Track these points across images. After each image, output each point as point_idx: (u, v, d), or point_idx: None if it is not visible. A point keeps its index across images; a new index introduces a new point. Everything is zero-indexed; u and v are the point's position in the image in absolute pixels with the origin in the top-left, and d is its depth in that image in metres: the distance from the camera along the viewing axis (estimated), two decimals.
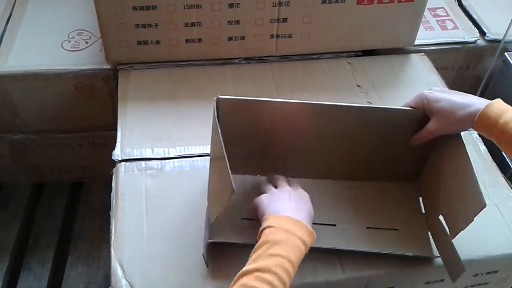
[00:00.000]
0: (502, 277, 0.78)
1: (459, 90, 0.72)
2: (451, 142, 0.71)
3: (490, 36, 1.14)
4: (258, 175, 0.77)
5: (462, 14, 1.21)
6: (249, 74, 1.00)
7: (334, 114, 0.72)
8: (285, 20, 0.96)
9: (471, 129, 0.67)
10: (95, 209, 1.22)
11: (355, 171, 0.78)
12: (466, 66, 1.18)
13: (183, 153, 0.83)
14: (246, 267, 0.55)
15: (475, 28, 1.16)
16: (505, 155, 1.02)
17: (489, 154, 0.86)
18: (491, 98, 0.66)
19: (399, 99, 0.75)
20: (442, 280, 0.75)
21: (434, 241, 0.72)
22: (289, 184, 0.71)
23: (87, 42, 1.08)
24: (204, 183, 0.75)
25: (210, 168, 0.73)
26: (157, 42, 0.96)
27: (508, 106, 0.64)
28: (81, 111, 1.08)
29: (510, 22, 1.05)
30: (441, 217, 0.70)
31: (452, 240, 0.67)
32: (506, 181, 0.83)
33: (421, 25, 1.04)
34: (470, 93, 0.69)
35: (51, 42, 1.07)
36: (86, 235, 1.18)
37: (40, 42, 1.07)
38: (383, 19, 1.00)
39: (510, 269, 0.77)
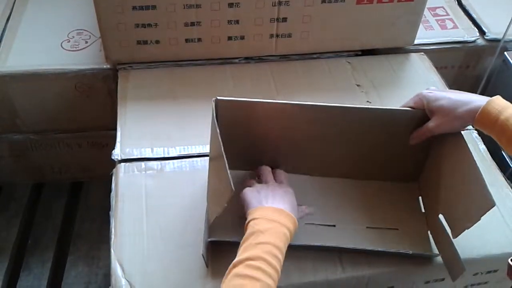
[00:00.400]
0: (501, 276, 0.78)
1: (459, 90, 0.72)
2: (451, 141, 0.71)
3: (489, 35, 1.14)
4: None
5: (462, 13, 1.21)
6: (248, 73, 1.00)
7: (331, 115, 0.72)
8: (284, 19, 0.96)
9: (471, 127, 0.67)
10: (95, 209, 1.23)
11: (354, 171, 0.78)
12: (465, 65, 1.18)
13: (182, 152, 0.83)
14: (236, 259, 0.58)
15: (475, 28, 1.16)
16: (504, 154, 1.03)
17: (488, 153, 0.86)
18: (491, 97, 0.66)
19: (399, 98, 0.75)
20: (442, 279, 0.75)
21: (434, 240, 0.72)
22: (275, 177, 0.73)
23: (86, 42, 1.08)
24: (204, 183, 0.75)
25: (209, 168, 0.73)
26: (157, 42, 0.96)
27: (508, 102, 0.64)
28: (81, 111, 1.08)
29: (510, 22, 1.05)
30: (441, 216, 0.70)
31: (452, 239, 0.67)
32: (506, 180, 0.83)
33: (420, 24, 1.04)
34: (470, 93, 0.69)
35: (50, 42, 1.07)
36: (86, 235, 1.18)
37: (40, 42, 1.07)
38: (383, 19, 1.00)
39: None
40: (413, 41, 1.06)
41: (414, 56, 1.07)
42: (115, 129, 0.87)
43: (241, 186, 0.69)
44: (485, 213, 0.62)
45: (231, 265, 0.57)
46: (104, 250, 1.13)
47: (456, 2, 1.25)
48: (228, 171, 0.58)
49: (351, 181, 0.79)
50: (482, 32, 1.15)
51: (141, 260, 0.69)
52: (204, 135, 0.72)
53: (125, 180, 0.79)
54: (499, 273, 0.77)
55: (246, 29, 0.96)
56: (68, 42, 1.08)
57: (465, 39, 1.13)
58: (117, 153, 0.83)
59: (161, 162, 0.82)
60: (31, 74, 1.01)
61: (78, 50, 1.06)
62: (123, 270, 0.68)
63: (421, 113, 0.71)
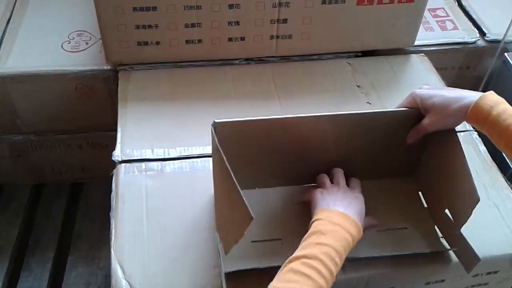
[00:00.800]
0: (502, 277, 0.78)
1: None
2: (445, 137, 0.71)
3: (490, 36, 1.14)
4: (257, 188, 0.77)
5: (462, 14, 1.21)
6: (249, 74, 1.00)
7: (328, 123, 0.72)
8: (285, 20, 0.96)
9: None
10: (95, 209, 1.23)
11: (352, 172, 0.78)
12: (466, 66, 1.18)
13: (183, 153, 0.84)
14: (294, 254, 0.57)
15: (475, 29, 1.16)
16: (505, 155, 1.03)
17: (489, 155, 0.86)
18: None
19: (399, 99, 0.75)
20: (442, 281, 0.75)
21: (443, 235, 0.72)
22: (348, 182, 0.73)
23: (87, 43, 1.08)
24: (204, 184, 0.75)
25: (215, 195, 0.72)
26: (157, 43, 0.96)
27: (501, 98, 0.64)
28: (81, 112, 1.08)
29: (510, 23, 1.05)
30: (447, 211, 0.71)
31: (461, 232, 0.67)
32: (506, 182, 0.83)
33: (421, 25, 1.04)
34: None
35: (51, 43, 1.07)
36: (86, 235, 1.18)
37: (40, 43, 1.07)
38: (383, 20, 1.00)
39: (510, 269, 0.77)
40: (414, 42, 1.06)
41: (414, 57, 1.07)
42: (116, 130, 0.87)
43: (254, 204, 0.68)
44: (473, 208, 0.62)
45: (287, 260, 0.57)
46: (104, 250, 1.13)
47: (456, 3, 1.25)
48: (244, 199, 0.56)
49: None
50: (482, 33, 1.15)
51: (141, 261, 0.69)
52: (204, 136, 0.72)
53: (125, 181, 0.79)
54: (500, 274, 0.77)
55: (246, 30, 0.97)
56: (68, 43, 1.08)
57: (465, 40, 1.13)
58: (117, 154, 0.83)
59: (161, 162, 0.82)
60: (31, 75, 1.01)
61: (78, 51, 1.06)
62: (123, 271, 0.68)
63: (416, 112, 0.72)
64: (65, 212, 1.23)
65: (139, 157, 0.82)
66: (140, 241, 0.71)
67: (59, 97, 1.06)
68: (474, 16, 1.19)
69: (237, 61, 1.02)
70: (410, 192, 0.78)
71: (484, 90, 1.17)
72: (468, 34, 1.14)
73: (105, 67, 1.02)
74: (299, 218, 0.74)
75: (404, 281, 0.74)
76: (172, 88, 0.96)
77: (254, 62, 1.03)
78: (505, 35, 1.09)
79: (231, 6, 0.92)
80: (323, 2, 0.94)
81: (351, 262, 0.68)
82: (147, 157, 0.83)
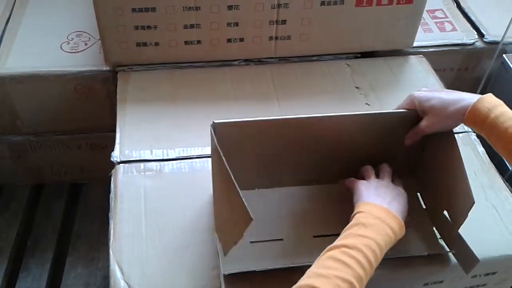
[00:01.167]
0: (500, 278, 0.78)
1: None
2: (443, 139, 0.71)
3: (488, 38, 1.14)
4: (256, 188, 0.77)
5: (461, 16, 1.21)
6: (248, 76, 1.00)
7: (326, 124, 0.72)
8: (284, 22, 0.96)
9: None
10: (94, 210, 1.23)
11: (352, 174, 0.78)
12: (464, 68, 1.18)
13: (182, 154, 0.84)
14: (333, 244, 0.57)
15: (474, 30, 1.16)
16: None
17: (487, 156, 0.87)
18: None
19: (397, 100, 0.75)
20: (441, 282, 0.75)
21: (442, 237, 0.72)
22: (392, 179, 0.72)
23: (86, 44, 1.08)
24: (203, 185, 0.75)
25: (214, 196, 0.72)
26: (156, 44, 0.96)
27: (500, 100, 0.64)
28: (80, 112, 1.08)
29: (508, 24, 1.05)
30: (445, 212, 0.71)
31: (460, 233, 0.67)
32: (504, 183, 0.83)
33: (419, 27, 1.04)
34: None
35: (50, 44, 1.07)
36: (85, 236, 1.18)
37: (40, 43, 1.07)
38: (382, 21, 1.00)
39: (508, 270, 0.77)
40: (412, 43, 1.06)
41: (413, 58, 1.07)
42: (115, 131, 0.87)
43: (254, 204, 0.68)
44: (469, 210, 0.63)
45: (327, 248, 0.57)
46: (103, 251, 1.13)
47: (455, 4, 1.25)
48: (243, 199, 0.56)
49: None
50: (481, 35, 1.15)
51: (140, 262, 0.69)
52: (203, 137, 0.72)
53: (124, 181, 0.79)
54: (498, 275, 0.77)
55: (245, 31, 0.97)
56: (67, 44, 1.08)
57: (464, 41, 1.13)
58: (116, 155, 0.83)
59: (160, 163, 0.82)
60: (30, 76, 1.01)
61: (77, 52, 1.06)
62: (122, 272, 0.68)
63: (414, 114, 0.72)
64: (64, 213, 1.23)
65: (137, 158, 0.82)
66: (139, 242, 0.72)
67: (58, 98, 1.06)
68: (472, 18, 1.20)
69: (236, 62, 1.02)
70: (409, 193, 0.78)
71: (482, 92, 1.17)
72: (467, 36, 1.15)
73: (104, 68, 1.02)
74: (298, 219, 0.74)
75: (402, 282, 0.74)
76: (171, 89, 0.96)
77: (253, 63, 1.03)
78: (503, 36, 1.09)
79: (230, 7, 0.92)
80: (322, 3, 0.95)
81: None
82: (146, 157, 0.83)
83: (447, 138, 0.71)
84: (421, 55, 1.08)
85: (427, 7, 1.01)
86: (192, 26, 0.94)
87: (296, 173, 0.77)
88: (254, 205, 0.56)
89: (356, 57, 1.07)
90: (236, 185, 0.57)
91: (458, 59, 1.16)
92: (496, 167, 0.86)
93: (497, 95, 0.65)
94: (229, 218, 0.63)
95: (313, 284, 0.52)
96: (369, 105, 0.95)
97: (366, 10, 0.97)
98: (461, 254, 0.69)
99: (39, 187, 1.27)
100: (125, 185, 0.78)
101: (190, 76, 0.99)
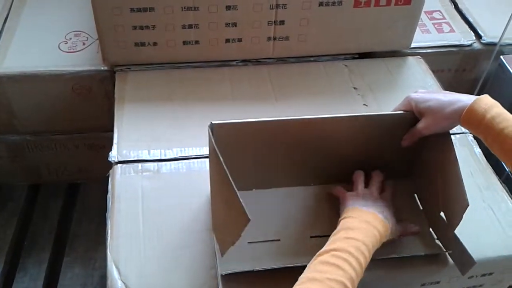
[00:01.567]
0: (497, 279, 0.78)
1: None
2: (439, 140, 0.71)
3: (486, 39, 1.14)
4: (254, 189, 0.77)
5: (459, 17, 1.21)
6: (246, 76, 1.00)
7: (324, 125, 0.72)
8: (282, 22, 0.96)
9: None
10: (92, 210, 1.22)
11: (349, 176, 0.78)
12: (462, 69, 1.18)
13: (179, 154, 0.84)
14: (322, 249, 0.59)
15: (471, 31, 1.17)
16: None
17: (484, 157, 0.87)
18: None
19: (395, 101, 0.75)
20: (438, 282, 0.75)
21: (438, 238, 0.73)
22: (383, 187, 0.74)
23: (84, 44, 1.08)
24: (201, 185, 0.75)
25: (212, 196, 0.72)
26: (155, 43, 0.96)
27: (496, 101, 0.64)
28: (78, 112, 1.08)
29: (506, 25, 1.05)
30: (442, 214, 0.71)
31: (456, 234, 0.67)
32: (501, 184, 0.83)
33: (417, 28, 1.04)
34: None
35: (48, 43, 1.07)
36: (83, 236, 1.18)
37: (37, 43, 1.07)
38: (380, 22, 1.00)
39: (505, 271, 0.77)
40: (410, 44, 1.07)
41: (411, 59, 1.07)
42: (112, 131, 0.87)
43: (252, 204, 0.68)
44: (464, 213, 0.63)
45: (316, 255, 0.58)
46: (100, 251, 1.13)
47: (453, 5, 1.25)
48: (241, 200, 0.56)
49: (347, 186, 0.79)
50: (478, 36, 1.16)
51: (137, 262, 0.69)
52: (201, 137, 0.72)
53: (121, 181, 0.79)
54: (494, 276, 0.77)
55: (243, 32, 0.97)
56: (65, 43, 1.08)
57: (462, 42, 1.14)
58: (113, 155, 0.83)
59: (158, 163, 0.82)
60: (28, 75, 1.01)
61: (75, 51, 1.06)
62: (119, 272, 0.68)
63: (411, 115, 0.72)
64: (61, 213, 1.23)
65: (135, 158, 0.82)
66: (136, 242, 0.71)
67: (56, 97, 1.05)
68: (470, 19, 1.20)
69: (234, 63, 1.02)
70: (406, 193, 0.79)
71: (480, 93, 1.18)
72: (464, 37, 1.15)
73: (102, 68, 1.02)
74: (296, 220, 0.74)
75: (399, 283, 0.74)
76: (169, 89, 0.96)
77: (251, 64, 1.03)
78: (500, 38, 1.09)
79: (228, 8, 0.92)
80: (320, 4, 0.95)
81: None
82: (144, 157, 0.83)
83: (443, 140, 0.71)
84: (419, 56, 1.08)
85: (425, 8, 1.01)
86: (190, 26, 0.94)
87: (294, 174, 0.77)
88: (252, 206, 0.56)
89: (354, 58, 1.07)
90: (234, 185, 0.57)
91: (456, 60, 1.16)
92: (492, 168, 0.86)
93: (494, 96, 0.65)
94: (226, 219, 0.63)
95: None
96: (367, 105, 0.95)
97: (364, 11, 0.97)
98: (458, 255, 0.69)
99: (37, 187, 1.27)
100: (123, 185, 0.78)
101: (188, 76, 0.99)
